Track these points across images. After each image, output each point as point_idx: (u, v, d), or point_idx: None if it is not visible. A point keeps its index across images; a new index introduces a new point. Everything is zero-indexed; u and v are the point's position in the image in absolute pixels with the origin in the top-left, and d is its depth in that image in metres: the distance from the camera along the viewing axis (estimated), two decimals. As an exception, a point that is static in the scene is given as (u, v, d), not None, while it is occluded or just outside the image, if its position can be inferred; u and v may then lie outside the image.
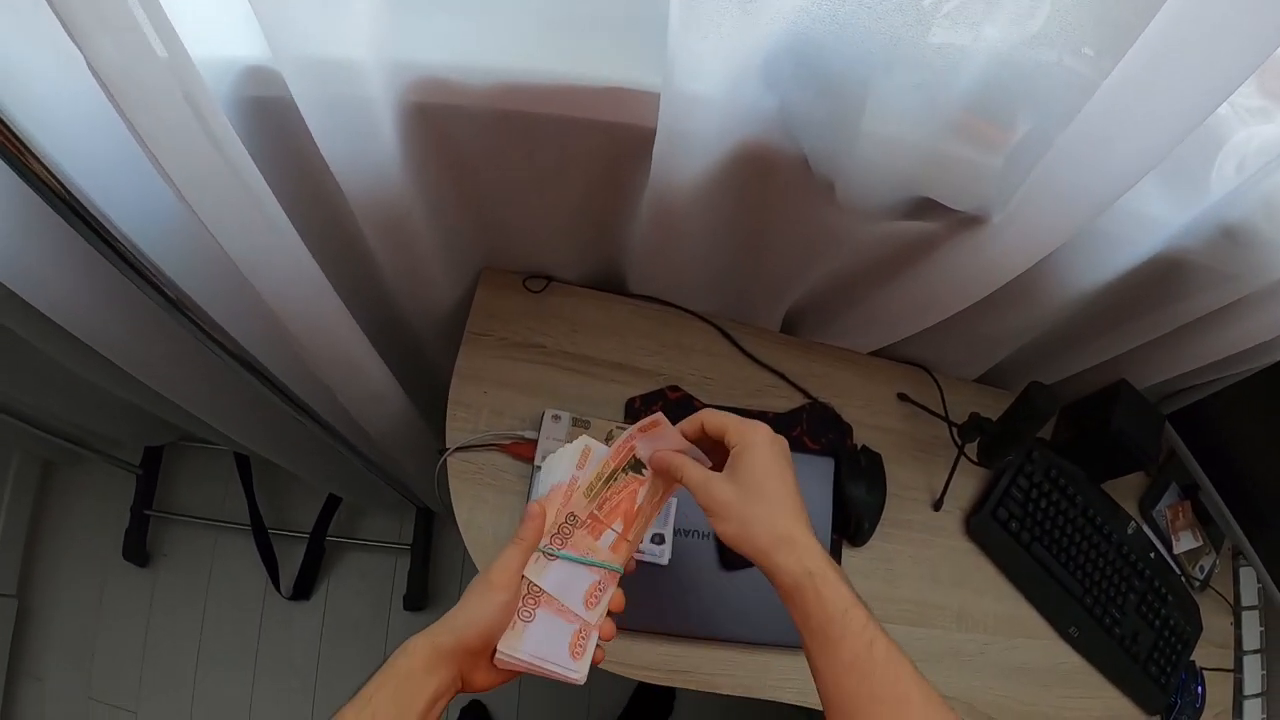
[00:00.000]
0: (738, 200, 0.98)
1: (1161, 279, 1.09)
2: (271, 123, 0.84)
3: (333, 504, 2.15)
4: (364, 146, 0.85)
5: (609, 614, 0.83)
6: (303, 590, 2.16)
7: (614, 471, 0.85)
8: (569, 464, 0.86)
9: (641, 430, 0.85)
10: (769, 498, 0.76)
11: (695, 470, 0.80)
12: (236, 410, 1.39)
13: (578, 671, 0.80)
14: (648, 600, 1.12)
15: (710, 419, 0.83)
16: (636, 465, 0.86)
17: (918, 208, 0.95)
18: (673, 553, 1.12)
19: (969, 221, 0.95)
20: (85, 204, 0.73)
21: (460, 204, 1.06)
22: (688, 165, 0.87)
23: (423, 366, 1.44)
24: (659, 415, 0.84)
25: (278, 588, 2.14)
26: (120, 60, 0.57)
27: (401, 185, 0.93)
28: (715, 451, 0.85)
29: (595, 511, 0.84)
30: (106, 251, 0.78)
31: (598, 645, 0.82)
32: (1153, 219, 0.98)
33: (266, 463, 1.74)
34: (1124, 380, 1.36)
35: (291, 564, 2.16)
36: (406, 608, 2.18)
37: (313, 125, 0.80)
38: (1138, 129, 0.75)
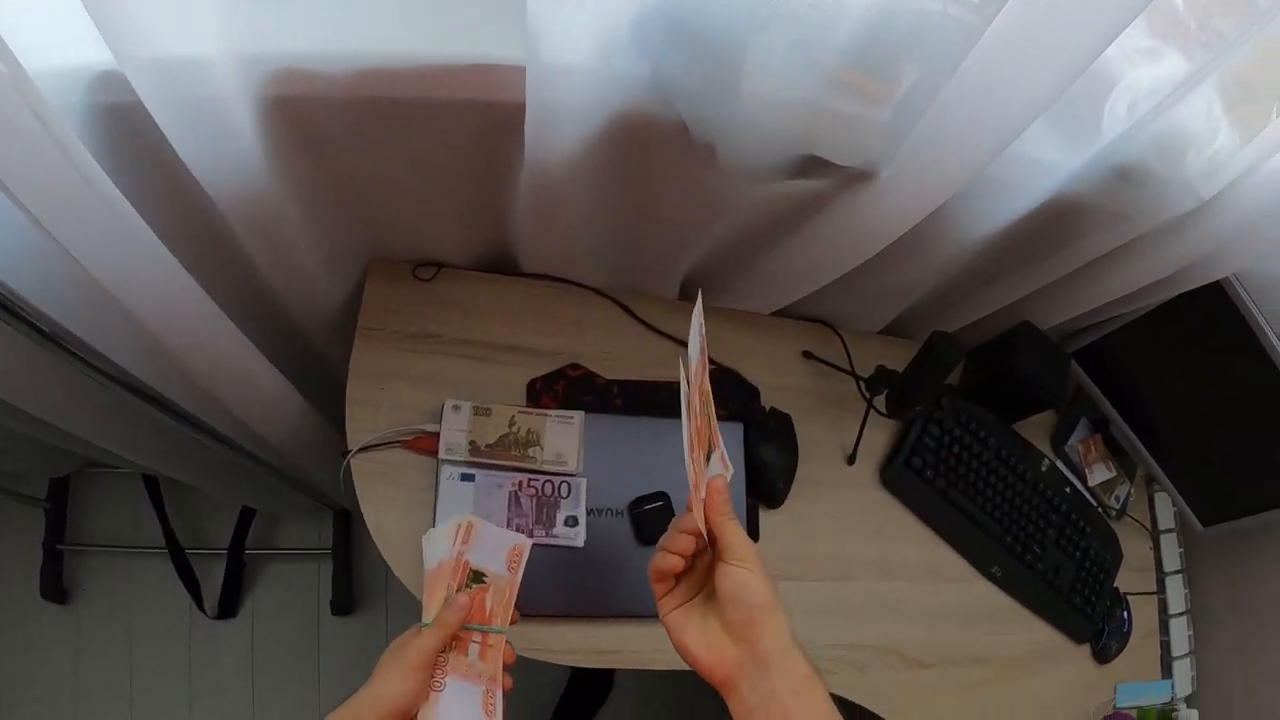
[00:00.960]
0: (618, 170, 0.95)
1: (1058, 222, 1.10)
2: (128, 129, 0.79)
3: (248, 516, 2.09)
4: (223, 146, 0.81)
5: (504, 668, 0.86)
6: (228, 608, 2.10)
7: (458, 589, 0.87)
8: (448, 541, 0.87)
9: (463, 542, 0.87)
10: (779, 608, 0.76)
11: (737, 525, 0.78)
12: (130, 432, 1.33)
13: None
14: (567, 584, 1.11)
15: (730, 529, 0.78)
16: (476, 577, 0.88)
17: (804, 166, 0.93)
18: (587, 534, 1.11)
19: (858, 177, 0.94)
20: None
21: (336, 197, 1.01)
22: (562, 139, 0.85)
23: (321, 366, 1.39)
24: (470, 519, 0.88)
25: (202, 608, 2.07)
26: None
27: (269, 183, 0.88)
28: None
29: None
30: None
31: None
32: (1045, 164, 0.99)
33: (176, 481, 1.68)
34: (1027, 322, 1.38)
35: (213, 582, 2.09)
36: (334, 613, 2.13)
37: (166, 128, 0.76)
38: (1024, 75, 0.74)
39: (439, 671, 0.83)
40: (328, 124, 0.87)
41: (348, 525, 2.16)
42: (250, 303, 1.13)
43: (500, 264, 1.24)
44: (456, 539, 0.87)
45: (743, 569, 0.75)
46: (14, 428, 1.47)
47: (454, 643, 0.85)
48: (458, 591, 0.85)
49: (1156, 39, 0.91)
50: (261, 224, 0.95)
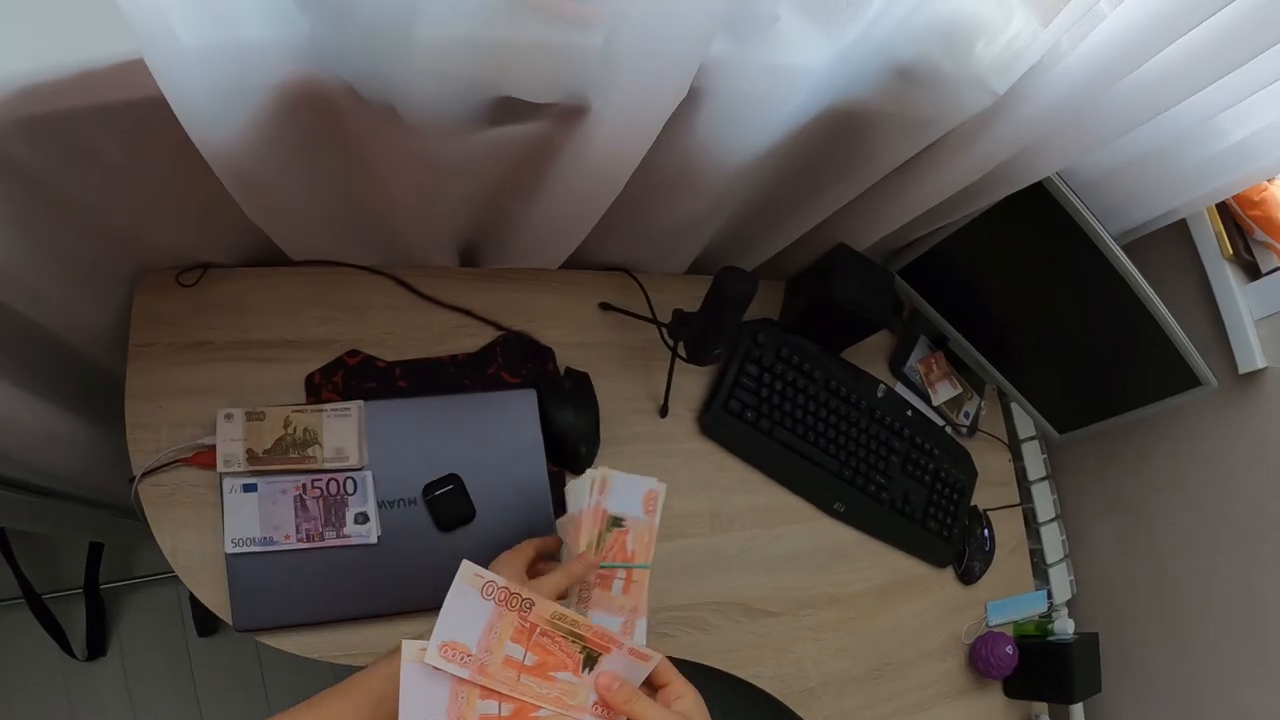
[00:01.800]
0: (309, 145, 0.88)
1: (845, 134, 1.05)
2: None
3: (97, 551, 2.00)
4: None
5: None
6: (96, 647, 2.02)
7: (600, 536, 0.92)
8: (586, 494, 0.92)
9: (600, 493, 0.92)
10: None
11: (655, 709, 0.77)
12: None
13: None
14: (366, 585, 1.05)
15: (661, 669, 0.81)
16: (616, 522, 0.93)
17: (504, 111, 0.87)
18: (382, 528, 1.06)
19: (571, 114, 0.88)
20: None
21: (61, 223, 0.94)
22: (224, 125, 0.78)
23: (113, 386, 1.32)
24: (604, 471, 0.92)
25: (71, 653, 1.99)
26: None
27: None
28: None
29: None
30: None
31: None
32: (798, 68, 0.92)
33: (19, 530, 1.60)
34: (842, 245, 1.34)
35: (78, 624, 2.01)
36: (200, 634, 2.07)
37: None
38: None
39: (581, 606, 0.90)
40: (15, 150, 0.80)
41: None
42: (17, 342, 1.06)
43: (267, 256, 1.16)
44: (593, 491, 0.92)
45: None
46: None
47: (599, 579, 0.92)
48: (599, 537, 0.92)
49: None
50: None
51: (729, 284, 1.09)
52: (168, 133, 0.82)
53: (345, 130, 0.87)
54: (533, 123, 0.89)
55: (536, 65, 0.81)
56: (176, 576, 2.00)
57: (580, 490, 0.92)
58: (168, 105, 0.75)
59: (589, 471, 0.92)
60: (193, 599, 1.99)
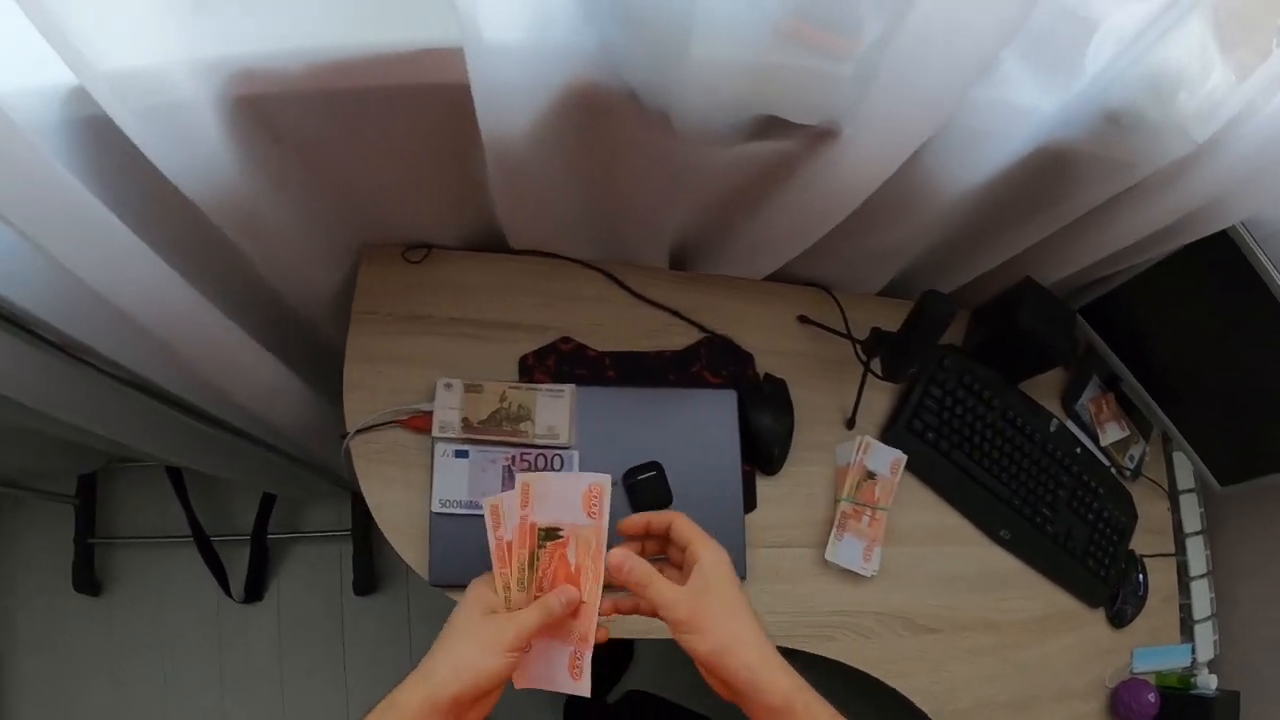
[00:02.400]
0: (579, 143, 0.95)
1: (1049, 172, 1.07)
2: (105, 141, 0.79)
3: (269, 502, 2.13)
4: (193, 150, 0.82)
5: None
6: (254, 592, 2.14)
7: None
8: (851, 451, 1.22)
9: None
10: (746, 617, 0.77)
11: (668, 586, 0.78)
12: (146, 429, 1.35)
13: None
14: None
15: (681, 527, 0.82)
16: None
17: (763, 127, 0.92)
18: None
19: (822, 136, 0.92)
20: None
21: (315, 188, 1.02)
22: (514, 117, 0.85)
23: (325, 352, 1.41)
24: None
25: (229, 594, 2.11)
26: None
27: (245, 181, 0.89)
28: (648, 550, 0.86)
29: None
30: None
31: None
32: (1024, 109, 0.96)
33: (199, 471, 1.71)
34: (1029, 278, 1.35)
35: (239, 568, 2.13)
36: (357, 593, 2.17)
37: (134, 137, 0.77)
38: (974, 11, 0.73)
39: (840, 530, 1.13)
40: (293, 118, 0.88)
41: (366, 507, 2.16)
42: (247, 295, 1.14)
43: (489, 242, 1.24)
44: (857, 451, 1.21)
45: (680, 637, 0.77)
46: (39, 429, 1.50)
47: (855, 511, 1.17)
48: (857, 484, 1.17)
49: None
50: (245, 220, 0.96)
51: (933, 307, 1.12)
52: (438, 120, 0.91)
53: (615, 132, 0.93)
54: (785, 141, 0.94)
55: (800, 89, 0.85)
56: (341, 536, 2.14)
57: (847, 449, 1.23)
58: (455, 94, 0.82)
59: (857, 436, 1.24)
60: (355, 559, 2.12)
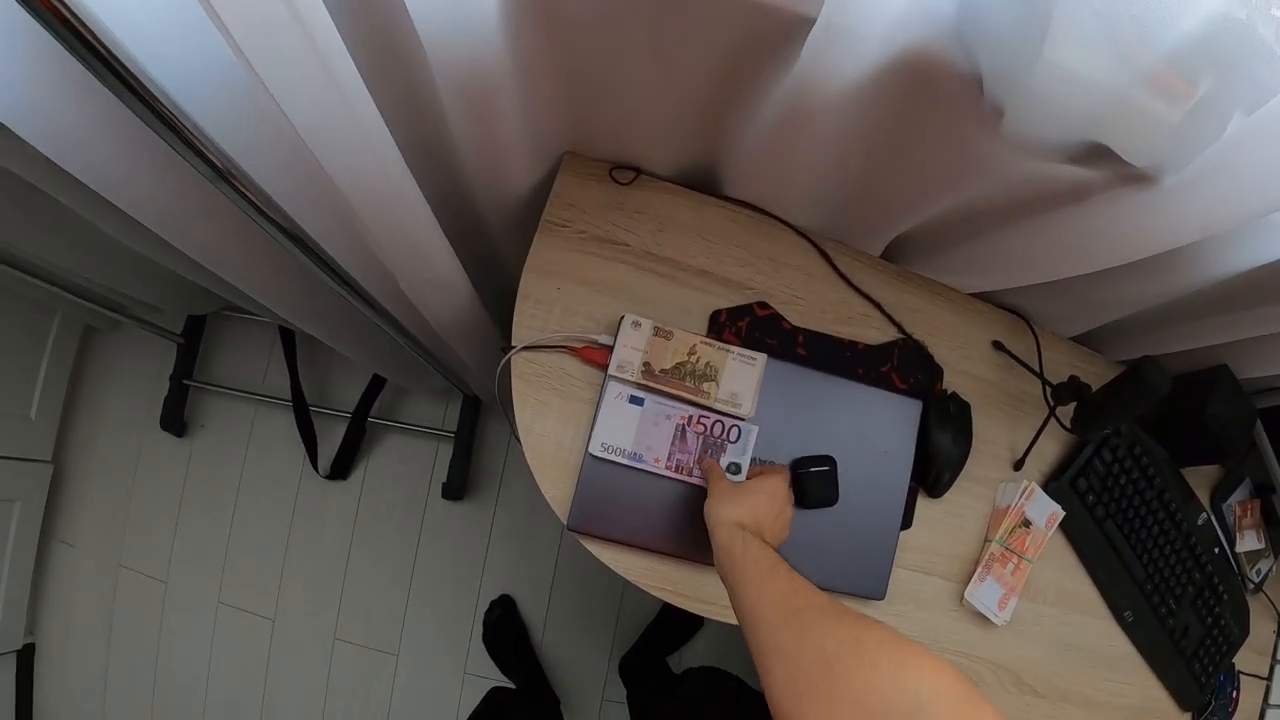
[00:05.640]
0: (889, 110, 0.88)
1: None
2: None
3: (377, 384, 2.11)
4: (459, 11, 0.76)
5: None
6: (340, 470, 2.14)
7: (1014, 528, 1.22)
8: (1015, 495, 1.23)
9: (1027, 498, 1.23)
10: (741, 499, 0.94)
11: (718, 472, 1.03)
12: (287, 288, 1.34)
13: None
14: (702, 531, 1.08)
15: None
16: (1025, 523, 1.23)
17: (1086, 153, 0.85)
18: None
19: (1134, 178, 0.86)
20: (119, 56, 0.64)
21: (554, 77, 0.96)
22: (841, 65, 0.78)
23: (492, 255, 1.37)
24: (1031, 484, 1.24)
25: (315, 466, 2.12)
26: None
27: (493, 52, 0.83)
28: None
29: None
30: (142, 111, 0.70)
31: None
32: None
33: (311, 338, 1.70)
34: (1225, 366, 1.30)
35: (331, 443, 2.13)
36: (445, 496, 2.15)
37: None
38: None
39: (985, 570, 1.20)
40: (579, 2, 0.82)
41: (476, 413, 2.17)
42: (439, 176, 1.10)
43: (704, 181, 1.19)
44: (1021, 495, 1.22)
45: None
46: (160, 261, 1.49)
47: (1003, 556, 1.21)
48: (1011, 529, 1.22)
49: None
50: (470, 92, 0.89)
51: (1153, 378, 1.06)
52: (734, 42, 0.85)
53: (933, 110, 0.86)
54: (1095, 171, 0.87)
55: (1142, 126, 0.79)
56: (442, 435, 2.13)
57: (1011, 491, 1.23)
58: (775, 22, 0.78)
59: (1024, 480, 1.24)
60: (452, 462, 2.10)
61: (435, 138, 1.03)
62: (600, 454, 1.06)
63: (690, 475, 1.07)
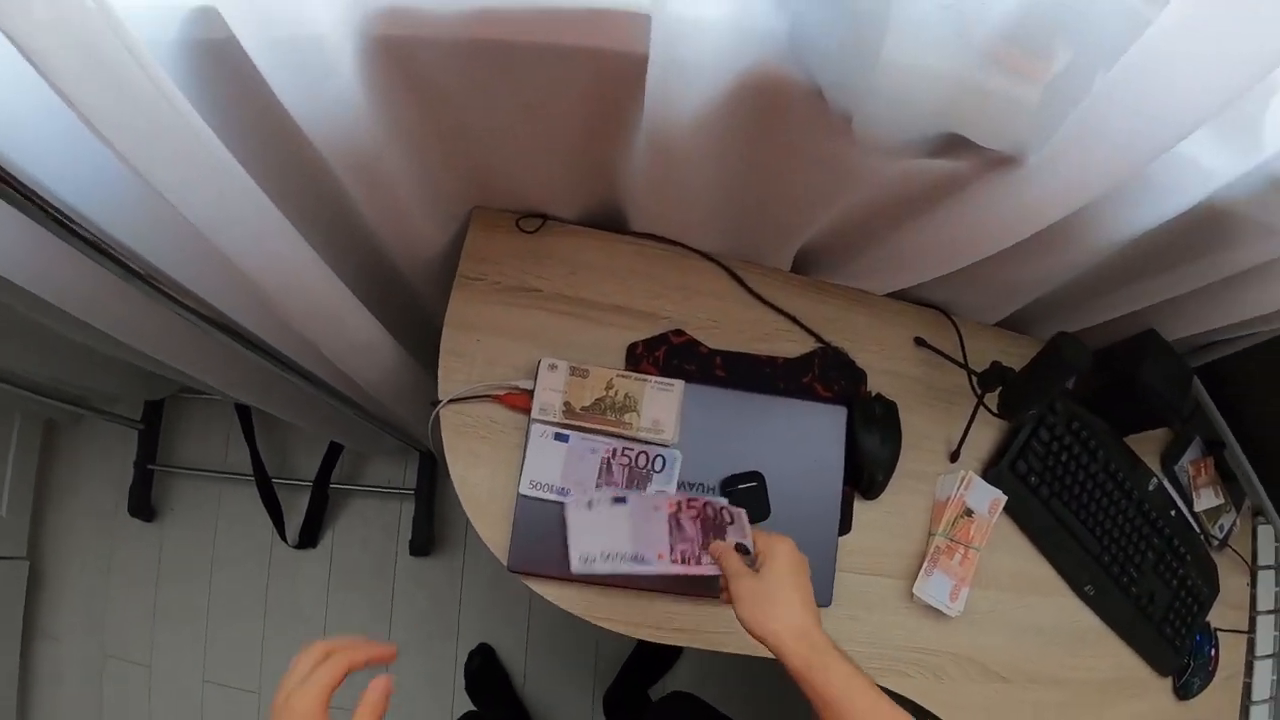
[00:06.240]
0: (744, 133, 0.91)
1: (1204, 229, 1.02)
2: (224, 67, 0.77)
3: (335, 451, 2.13)
4: (323, 86, 0.78)
5: None
6: (308, 539, 2.15)
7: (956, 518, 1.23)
8: (953, 486, 1.23)
9: (965, 489, 1.23)
10: (787, 595, 0.87)
11: (736, 561, 0.93)
12: (222, 367, 1.36)
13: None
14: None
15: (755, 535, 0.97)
16: (967, 512, 1.24)
17: (945, 145, 0.88)
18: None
19: (1001, 162, 0.88)
20: (19, 178, 0.69)
21: (441, 141, 0.99)
22: (686, 96, 0.81)
23: (419, 312, 1.39)
24: (969, 474, 1.23)
25: (284, 537, 2.13)
26: (49, 16, 0.53)
27: (370, 125, 0.86)
28: None
29: None
30: (49, 224, 0.75)
31: None
32: (1206, 169, 0.92)
33: (266, 412, 1.72)
34: (1153, 330, 1.30)
35: (296, 513, 2.15)
36: (412, 553, 2.17)
37: (263, 67, 0.74)
38: (1191, 77, 0.69)
39: (931, 564, 1.20)
40: (436, 65, 0.85)
41: (433, 468, 2.19)
42: (349, 245, 1.13)
43: (609, 220, 1.21)
44: (960, 485, 1.22)
45: (734, 609, 0.88)
46: (109, 352, 1.51)
47: (949, 547, 1.21)
48: (954, 520, 1.21)
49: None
50: (361, 166, 0.93)
51: (1068, 352, 1.08)
52: (589, 87, 0.87)
53: (789, 129, 0.89)
54: (962, 161, 0.89)
55: (994, 111, 0.81)
56: (403, 494, 2.14)
57: (949, 483, 1.23)
58: (619, 63, 0.80)
59: (960, 470, 1.23)
60: (415, 519, 2.12)
61: (339, 209, 1.06)
62: (530, 493, 1.08)
63: None
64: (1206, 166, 0.91)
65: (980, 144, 0.84)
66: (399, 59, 0.82)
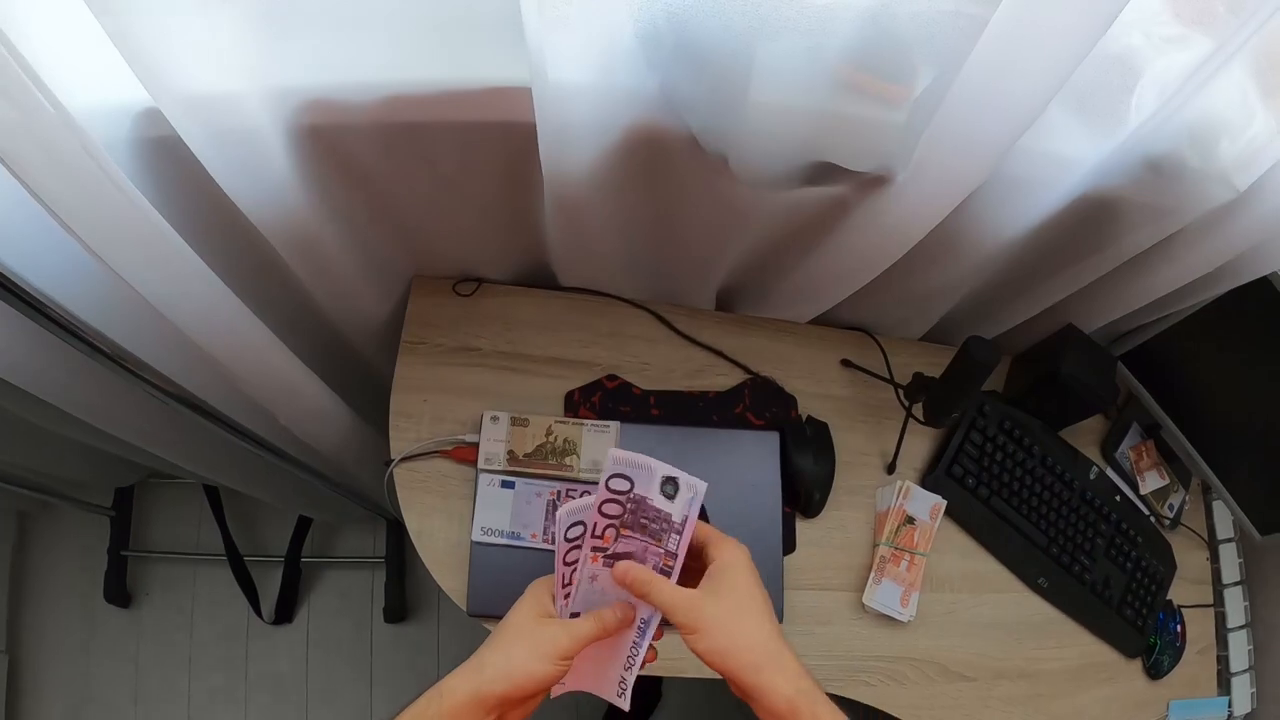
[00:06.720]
0: (636, 185, 0.97)
1: (1093, 219, 1.08)
2: (173, 161, 0.82)
3: (304, 525, 2.15)
4: (259, 174, 0.85)
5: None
6: (285, 614, 2.16)
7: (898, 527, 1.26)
8: (892, 497, 1.26)
9: (904, 498, 1.26)
10: (755, 617, 0.74)
11: (669, 589, 0.74)
12: (187, 444, 1.38)
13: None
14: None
15: (698, 533, 0.77)
16: (909, 520, 1.27)
17: (818, 173, 0.93)
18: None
19: (874, 182, 0.94)
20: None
21: (373, 218, 1.05)
22: (575, 156, 0.87)
23: (369, 377, 1.43)
24: (907, 484, 1.26)
25: (259, 614, 2.13)
26: (15, 118, 0.57)
27: (306, 207, 0.92)
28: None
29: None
30: (20, 306, 0.79)
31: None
32: (1068, 159, 0.97)
33: (236, 490, 1.74)
34: (1070, 325, 1.35)
35: (271, 589, 2.15)
36: (387, 620, 2.18)
37: (203, 159, 0.80)
38: (1024, 62, 0.73)
39: (878, 573, 1.22)
40: (359, 149, 0.91)
41: (400, 535, 2.20)
42: (297, 317, 1.17)
43: (539, 278, 1.26)
44: (898, 495, 1.25)
45: (685, 639, 0.74)
46: (78, 439, 1.52)
47: (894, 555, 1.24)
48: (896, 529, 1.24)
49: (1183, 25, 0.87)
50: (302, 245, 0.99)
51: (977, 352, 1.12)
52: (498, 157, 0.94)
53: (674, 175, 0.95)
54: (838, 186, 0.95)
55: (855, 136, 0.87)
56: (374, 563, 2.16)
57: (888, 493, 1.26)
58: (517, 132, 0.85)
59: (898, 480, 1.27)
60: (387, 586, 2.13)
61: (287, 285, 1.10)
62: (482, 539, 1.11)
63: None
64: (1069, 156, 0.96)
65: (850, 168, 0.89)
66: (326, 145, 0.88)
